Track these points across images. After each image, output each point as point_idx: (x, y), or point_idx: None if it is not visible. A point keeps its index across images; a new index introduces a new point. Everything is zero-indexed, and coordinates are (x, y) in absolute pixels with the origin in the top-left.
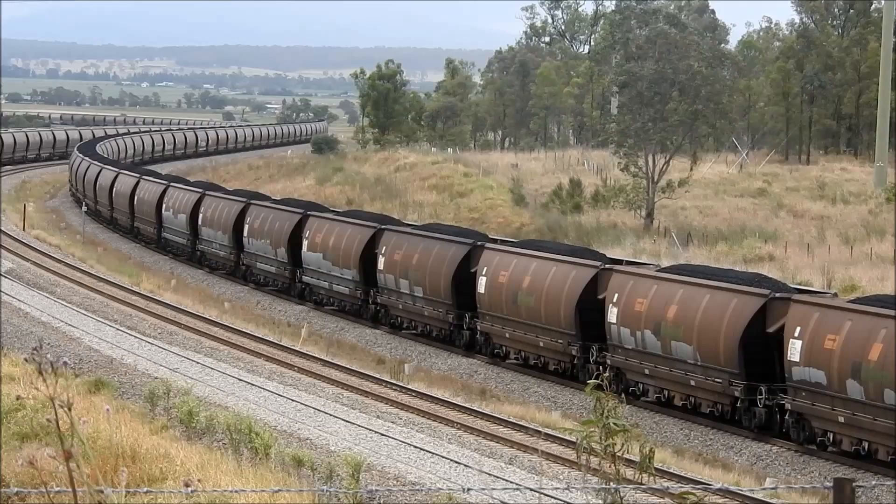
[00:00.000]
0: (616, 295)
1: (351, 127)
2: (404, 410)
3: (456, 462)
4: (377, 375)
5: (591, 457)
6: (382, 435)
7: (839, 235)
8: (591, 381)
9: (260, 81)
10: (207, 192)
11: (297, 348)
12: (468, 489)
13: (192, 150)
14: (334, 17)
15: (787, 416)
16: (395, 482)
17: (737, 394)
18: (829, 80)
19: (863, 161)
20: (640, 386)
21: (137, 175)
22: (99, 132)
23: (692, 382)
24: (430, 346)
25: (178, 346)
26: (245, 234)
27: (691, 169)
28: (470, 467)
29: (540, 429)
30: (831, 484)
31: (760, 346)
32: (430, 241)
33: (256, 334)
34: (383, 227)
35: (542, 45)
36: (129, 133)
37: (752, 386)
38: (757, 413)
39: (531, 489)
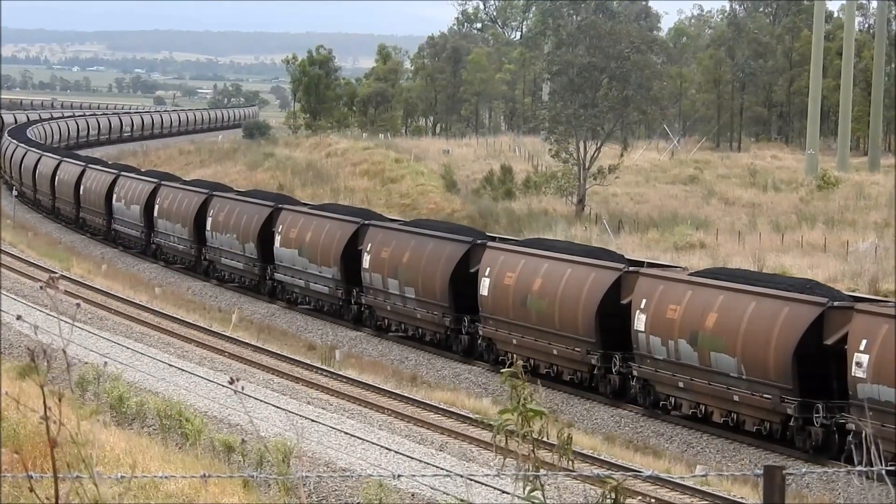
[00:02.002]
0: (644, 300)
1: (282, 112)
2: (335, 396)
3: (386, 448)
4: (308, 361)
5: (509, 443)
6: (313, 421)
7: (770, 223)
8: (506, 370)
9: (191, 66)
10: (163, 182)
11: (227, 334)
12: (398, 476)
13: (123, 134)
14: (266, 2)
15: (848, 438)
16: (325, 468)
17: (789, 411)
18: (760, 67)
19: (794, 149)
20: (673, 400)
21: (83, 163)
22: (31, 116)
23: (735, 398)
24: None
25: (108, 331)
26: (208, 227)
27: (621, 155)
28: (400, 454)
29: (470, 415)
30: (762, 471)
31: (816, 360)
32: (423, 239)
33: (187, 320)
34: (367, 222)
35: (474, 31)
36: (58, 118)
37: (807, 403)
38: (813, 433)
39: (461, 476)
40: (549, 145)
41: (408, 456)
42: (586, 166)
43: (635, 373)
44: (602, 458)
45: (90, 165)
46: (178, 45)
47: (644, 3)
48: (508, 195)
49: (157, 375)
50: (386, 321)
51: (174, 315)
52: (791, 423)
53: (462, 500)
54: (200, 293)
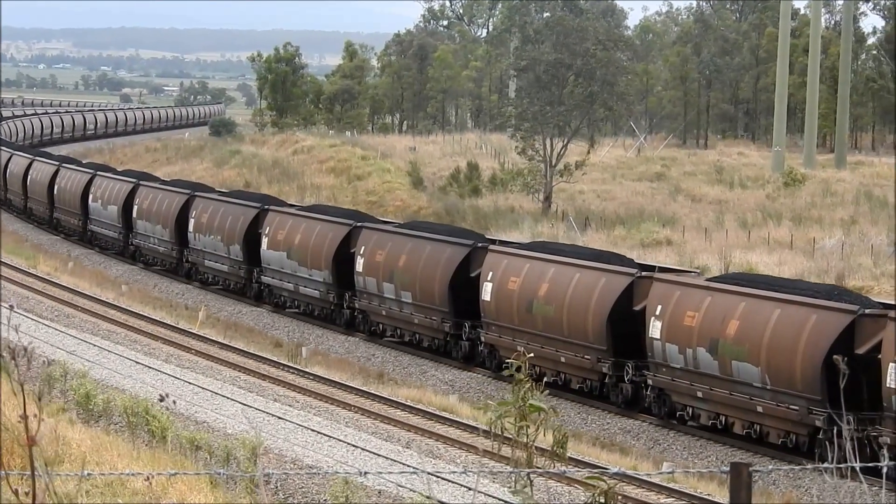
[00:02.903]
0: (659, 307)
1: (249, 110)
2: (302, 394)
3: (353, 445)
4: (275, 359)
5: (503, 442)
6: (280, 418)
7: (737, 220)
8: (513, 362)
9: (157, 64)
10: (142, 183)
11: (194, 331)
12: (365, 473)
13: (89, 132)
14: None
15: (883, 451)
16: (292, 466)
17: (818, 423)
18: (726, 64)
19: (760, 146)
20: (690, 410)
21: (57, 163)
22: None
23: (759, 409)
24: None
25: (75, 328)
26: (190, 228)
27: (588, 152)
28: (367, 451)
29: (437, 412)
30: (728, 468)
31: (847, 370)
32: (420, 242)
33: (154, 317)
34: (360, 224)
35: (440, 28)
36: (22, 115)
37: (837, 415)
38: (843, 446)
39: (428, 473)
40: (516, 142)
41: (374, 453)
42: (552, 163)
43: (650, 382)
44: (569, 454)
45: (64, 165)
46: (144, 42)
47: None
48: (475, 192)
49: (124, 373)
50: (380, 326)
51: (141, 312)
52: (820, 436)
53: (428, 498)
54: (167, 290)
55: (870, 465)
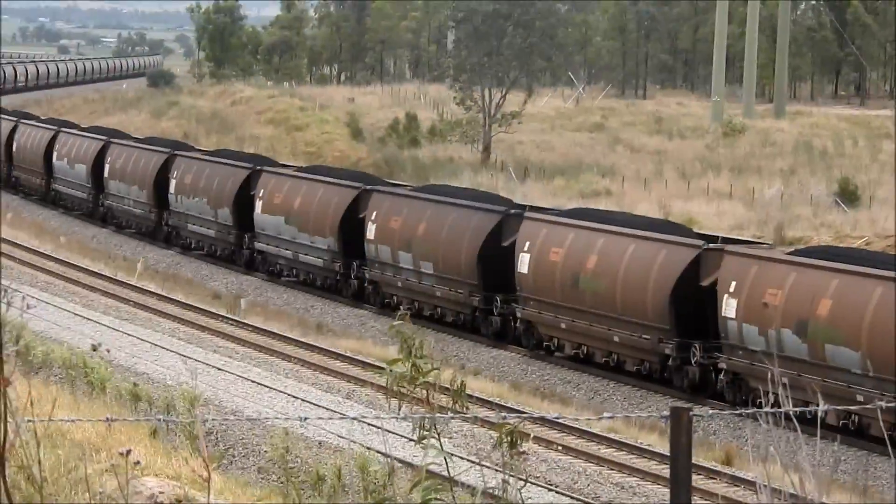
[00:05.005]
0: (734, 283)
1: (187, 61)
2: (241, 345)
3: (293, 396)
4: (213, 310)
5: (402, 399)
6: (219, 369)
7: (676, 170)
8: (396, 323)
9: (95, 15)
10: (114, 140)
11: (133, 283)
12: (305, 419)
13: (19, 84)
14: None
15: None
16: (232, 416)
17: None
18: (664, 14)
19: (699, 96)
20: (772, 397)
21: (14, 119)
22: None
23: (860, 398)
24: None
25: (13, 280)
26: (172, 190)
27: (525, 102)
28: (307, 402)
29: (376, 363)
30: (668, 414)
31: None
32: (444, 207)
33: (92, 269)
34: (370, 187)
35: None
36: None
37: None
38: None
39: (361, 420)
40: (455, 93)
41: (315, 404)
42: (491, 114)
43: (723, 365)
44: (509, 405)
45: (23, 121)
46: None
47: None
48: (414, 143)
49: (63, 324)
50: (395, 298)
51: (79, 264)
52: None
53: (369, 448)
54: (105, 242)
55: (805, 409)
